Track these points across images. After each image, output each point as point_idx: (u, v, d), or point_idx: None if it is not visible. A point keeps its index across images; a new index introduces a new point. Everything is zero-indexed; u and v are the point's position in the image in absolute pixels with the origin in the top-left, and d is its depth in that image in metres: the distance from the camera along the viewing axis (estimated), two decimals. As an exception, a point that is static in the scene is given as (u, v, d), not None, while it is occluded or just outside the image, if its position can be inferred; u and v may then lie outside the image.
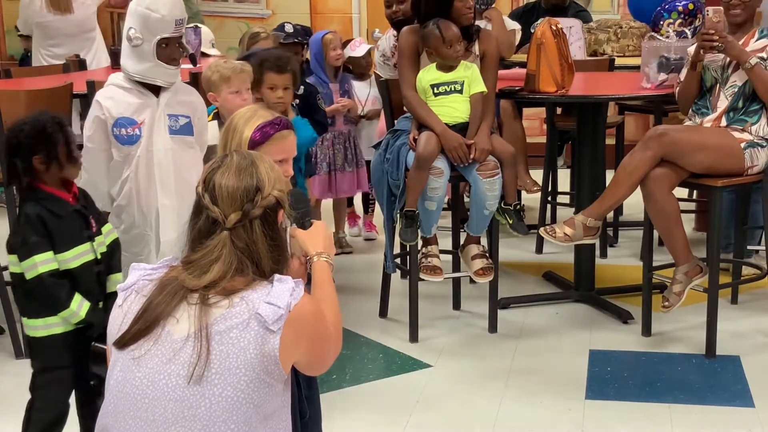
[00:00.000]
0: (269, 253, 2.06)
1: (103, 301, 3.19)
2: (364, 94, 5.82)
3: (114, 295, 3.12)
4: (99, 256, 3.18)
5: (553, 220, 5.71)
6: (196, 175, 3.77)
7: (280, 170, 2.17)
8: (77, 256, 3.12)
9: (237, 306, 1.98)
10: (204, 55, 6.31)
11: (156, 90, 3.78)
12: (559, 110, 6.04)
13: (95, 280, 3.18)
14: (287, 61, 4.18)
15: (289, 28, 5.24)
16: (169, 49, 3.73)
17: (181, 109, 3.83)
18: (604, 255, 5.55)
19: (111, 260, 3.25)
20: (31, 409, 3.20)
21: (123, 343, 2.02)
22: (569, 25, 5.94)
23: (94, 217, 3.22)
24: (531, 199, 6.45)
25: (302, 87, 4.90)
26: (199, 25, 6.68)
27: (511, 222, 4.41)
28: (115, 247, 3.29)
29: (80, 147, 3.55)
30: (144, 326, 2.00)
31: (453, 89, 4.36)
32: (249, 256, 2.04)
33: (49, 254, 3.06)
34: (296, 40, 5.24)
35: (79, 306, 3.09)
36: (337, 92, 5.63)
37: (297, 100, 4.81)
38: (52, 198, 3.11)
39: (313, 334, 2.07)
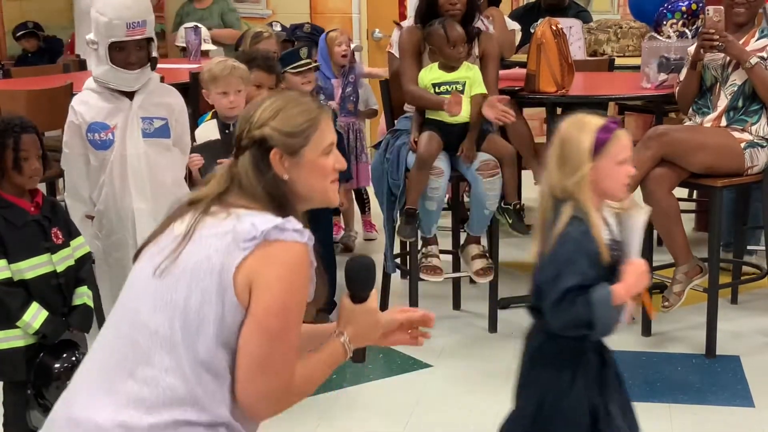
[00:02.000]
0: (261, 190, 1.99)
1: (66, 314, 3.11)
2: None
3: (80, 307, 3.13)
4: (59, 269, 3.08)
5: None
6: (173, 177, 3.79)
7: (290, 114, 2.04)
8: (32, 267, 3.02)
9: (228, 219, 1.95)
10: (204, 54, 6.33)
11: (131, 93, 3.68)
12: (559, 110, 6.03)
13: (55, 292, 3.08)
14: (275, 61, 4.19)
15: (276, 27, 5.29)
16: (125, 53, 3.58)
17: (156, 111, 3.72)
18: (604, 255, 5.53)
19: (78, 273, 3.16)
20: (4, 424, 3.13)
21: (144, 244, 2.07)
22: (569, 25, 5.94)
23: (61, 228, 3.12)
24: (532, 200, 6.45)
25: None
26: (199, 24, 6.70)
27: (511, 221, 4.42)
28: (85, 260, 3.21)
29: None
30: (160, 227, 2.05)
31: (455, 89, 4.36)
32: (239, 183, 2.01)
33: (2, 262, 2.97)
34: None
35: (34, 317, 2.99)
36: (339, 87, 5.65)
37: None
38: (9, 206, 3.02)
39: (279, 288, 1.90)
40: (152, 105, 3.72)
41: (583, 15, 6.38)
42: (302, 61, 4.51)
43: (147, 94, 3.69)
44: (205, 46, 6.49)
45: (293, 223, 1.94)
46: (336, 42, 5.59)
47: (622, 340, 4.40)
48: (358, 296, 2.09)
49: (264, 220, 1.92)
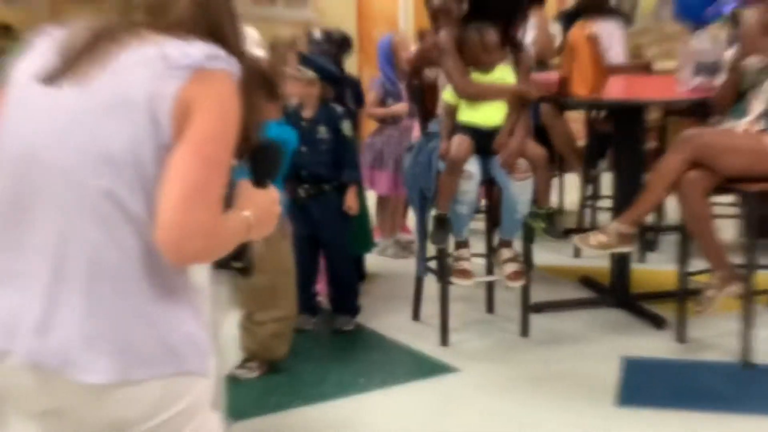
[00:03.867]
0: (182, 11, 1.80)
1: None
2: None
3: None
4: None
5: (594, 225, 5.66)
6: None
7: None
8: None
9: (147, 46, 1.74)
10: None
11: None
12: (602, 114, 5.98)
13: None
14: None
15: (317, 35, 5.31)
16: None
17: None
18: (642, 260, 5.48)
19: None
20: None
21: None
22: (609, 29, 5.90)
23: None
24: (571, 203, 6.41)
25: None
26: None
27: (543, 226, 4.38)
28: None
29: None
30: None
31: None
32: (150, 7, 1.80)
33: None
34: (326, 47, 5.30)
35: None
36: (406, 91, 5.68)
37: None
38: None
39: (216, 115, 1.73)
40: None
41: (624, 18, 6.31)
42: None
43: None
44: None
45: (222, 52, 1.77)
46: (403, 47, 5.64)
47: (655, 347, 4.37)
48: (261, 181, 1.98)
49: (196, 47, 1.75)
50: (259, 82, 2.01)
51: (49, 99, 1.74)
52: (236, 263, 2.08)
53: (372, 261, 5.62)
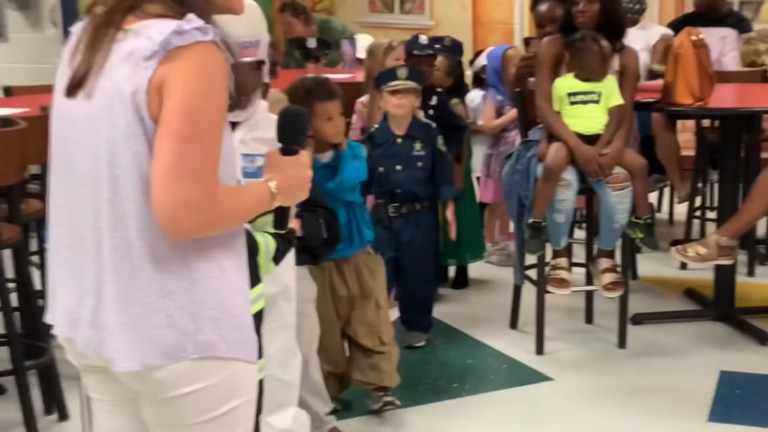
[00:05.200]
0: None
1: None
2: None
3: None
4: None
5: (703, 236, 5.54)
6: None
7: None
8: None
9: (125, 40, 1.77)
10: (359, 61, 6.43)
11: (233, 123, 2.92)
12: (707, 122, 5.85)
13: None
14: (333, 85, 3.72)
15: (423, 40, 5.27)
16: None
17: (259, 148, 2.92)
18: (751, 273, 5.34)
19: None
20: None
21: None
22: (723, 35, 5.78)
23: None
24: (679, 213, 6.29)
25: (435, 97, 4.97)
26: (356, 36, 6.84)
27: (641, 236, 4.32)
28: None
29: None
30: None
31: (590, 99, 4.31)
32: None
33: None
34: (429, 52, 5.23)
35: None
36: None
37: (431, 110, 4.88)
38: None
39: (187, 91, 1.72)
40: (255, 140, 3.06)
41: (741, 25, 6.18)
42: (398, 82, 4.32)
43: (251, 128, 3.02)
44: (360, 54, 6.60)
45: (193, 21, 1.75)
46: (513, 62, 5.54)
47: (756, 362, 4.26)
48: (288, 149, 1.97)
49: (160, 29, 1.74)
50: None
51: (70, 110, 1.84)
52: (279, 230, 2.13)
53: (476, 267, 5.63)
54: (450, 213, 4.54)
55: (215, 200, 1.74)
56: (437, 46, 5.32)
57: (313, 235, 2.79)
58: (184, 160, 1.71)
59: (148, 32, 1.74)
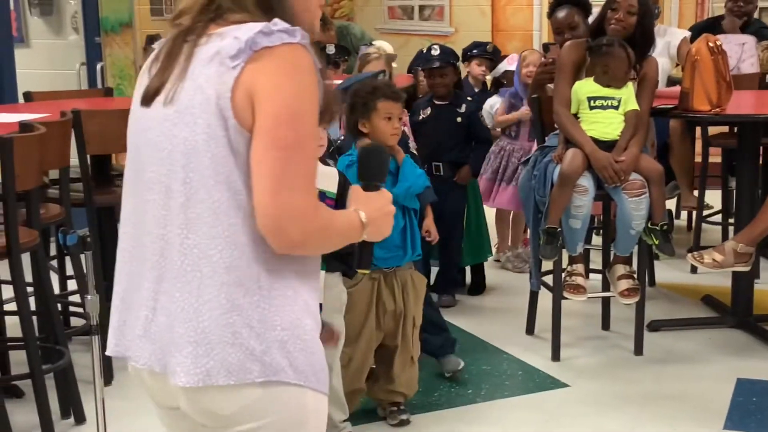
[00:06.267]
0: None
1: None
2: None
3: None
4: None
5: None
6: None
7: None
8: None
9: (211, 42, 1.74)
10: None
11: None
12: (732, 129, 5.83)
13: None
14: (399, 89, 3.86)
15: (435, 51, 5.25)
16: None
17: None
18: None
19: None
20: None
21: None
22: (742, 41, 5.75)
23: None
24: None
25: (464, 105, 4.98)
26: (375, 42, 6.85)
27: (657, 243, 4.31)
28: None
29: None
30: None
31: (610, 105, 4.32)
32: None
33: None
34: (438, 65, 5.21)
35: None
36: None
37: (459, 119, 4.94)
38: None
39: (282, 95, 1.67)
40: None
41: (762, 32, 6.14)
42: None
43: None
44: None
45: (280, 24, 1.70)
46: (524, 63, 5.59)
47: (760, 368, 4.23)
48: (371, 185, 1.95)
49: (247, 29, 1.70)
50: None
51: (146, 117, 1.81)
52: (364, 270, 2.07)
53: (492, 273, 5.64)
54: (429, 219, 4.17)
55: (318, 210, 1.71)
56: (474, 51, 5.55)
57: None
58: (290, 169, 1.66)
59: (235, 33, 1.71)
